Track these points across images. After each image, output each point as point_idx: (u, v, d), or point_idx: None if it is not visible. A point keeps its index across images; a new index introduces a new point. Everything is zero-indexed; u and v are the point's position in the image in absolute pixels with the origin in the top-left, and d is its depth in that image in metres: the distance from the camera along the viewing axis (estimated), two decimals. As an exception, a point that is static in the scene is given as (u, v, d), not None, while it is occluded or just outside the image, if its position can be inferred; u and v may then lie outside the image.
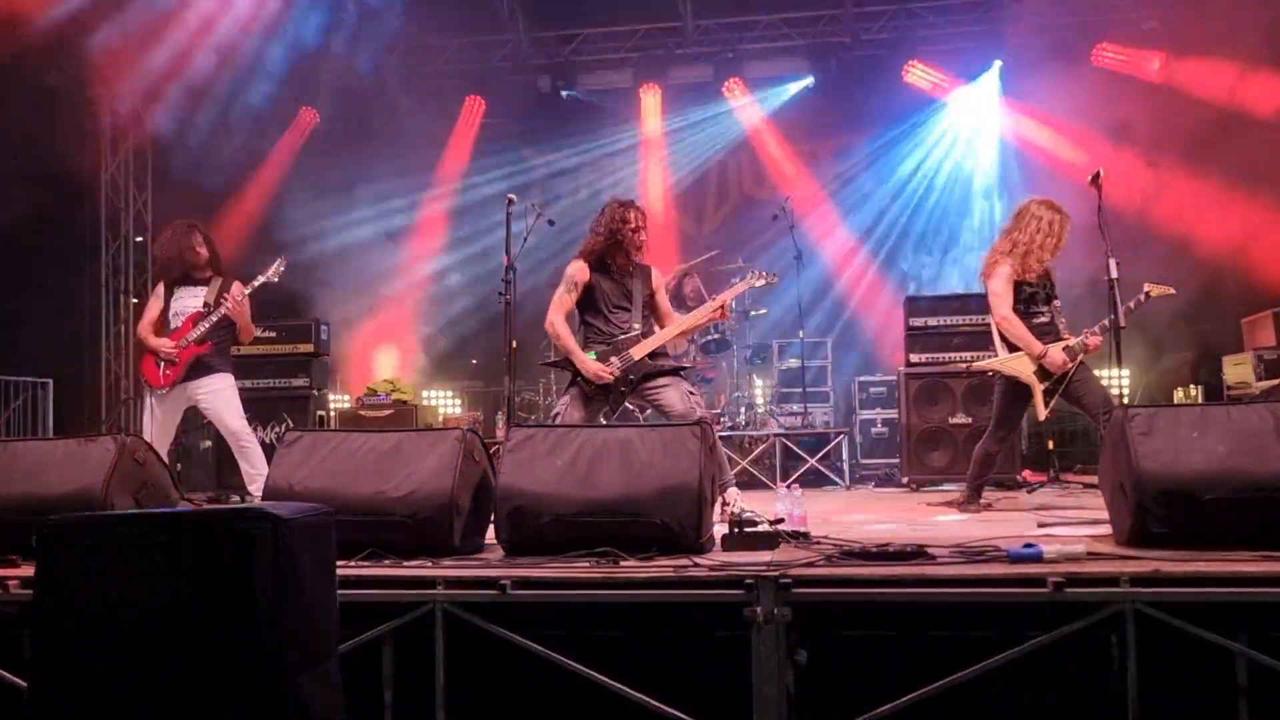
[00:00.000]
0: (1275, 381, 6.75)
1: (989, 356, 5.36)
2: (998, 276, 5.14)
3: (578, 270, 5.15)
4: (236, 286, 5.57)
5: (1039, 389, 5.08)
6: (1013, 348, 5.14)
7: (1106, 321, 5.00)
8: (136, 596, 1.85)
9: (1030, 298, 5.16)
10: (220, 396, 5.49)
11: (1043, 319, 5.16)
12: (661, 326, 5.22)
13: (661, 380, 5.02)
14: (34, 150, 8.17)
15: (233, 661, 1.79)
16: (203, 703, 1.80)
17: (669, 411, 4.93)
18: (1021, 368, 5.13)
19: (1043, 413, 5.10)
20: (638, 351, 5.02)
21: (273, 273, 5.69)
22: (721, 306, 5.20)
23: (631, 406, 5.59)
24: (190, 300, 5.63)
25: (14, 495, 3.85)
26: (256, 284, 5.62)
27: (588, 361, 5.01)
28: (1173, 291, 5.15)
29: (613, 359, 4.99)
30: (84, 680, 1.87)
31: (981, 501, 5.32)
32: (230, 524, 1.85)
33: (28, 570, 3.41)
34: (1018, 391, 5.16)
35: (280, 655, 1.78)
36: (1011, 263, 5.10)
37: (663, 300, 5.33)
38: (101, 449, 3.93)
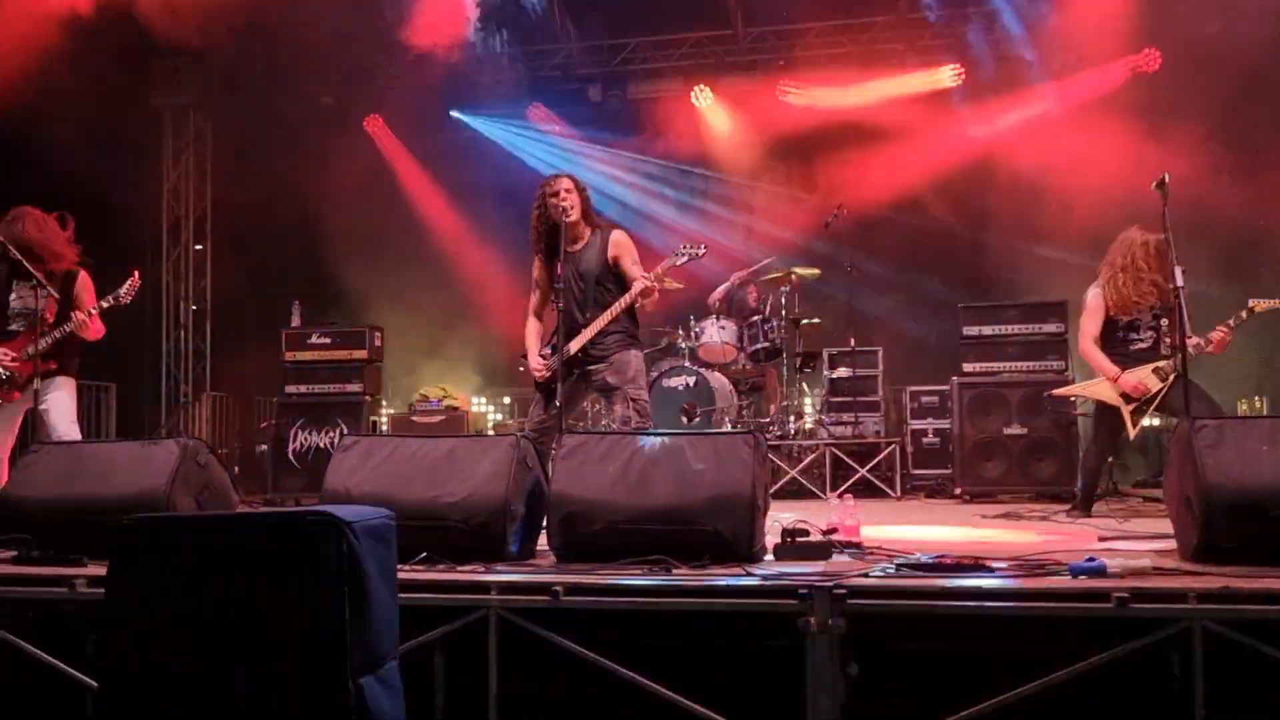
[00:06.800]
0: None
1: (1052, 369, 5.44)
2: (1084, 308, 5.36)
3: (534, 267, 5.02)
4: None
5: (1126, 410, 5.17)
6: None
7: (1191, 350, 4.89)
8: (205, 597, 1.89)
9: (1130, 325, 5.27)
10: None
11: (1141, 345, 5.26)
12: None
13: (598, 379, 4.83)
14: (97, 157, 8.40)
15: (298, 663, 1.82)
16: (269, 703, 1.82)
17: (612, 417, 4.83)
18: (1102, 392, 5.27)
19: (1131, 432, 5.19)
20: (574, 344, 4.79)
21: (125, 292, 5.29)
22: (647, 286, 4.73)
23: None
24: None
25: (80, 496, 3.92)
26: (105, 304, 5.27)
27: (530, 357, 4.93)
28: None
29: (555, 356, 4.75)
30: (152, 679, 1.91)
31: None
32: (297, 527, 1.88)
33: (94, 570, 3.48)
34: (1105, 411, 5.29)
35: (345, 657, 1.81)
36: (1102, 295, 5.27)
37: (629, 268, 4.85)
38: (165, 451, 4.00)
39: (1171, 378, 5.05)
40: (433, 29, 9.61)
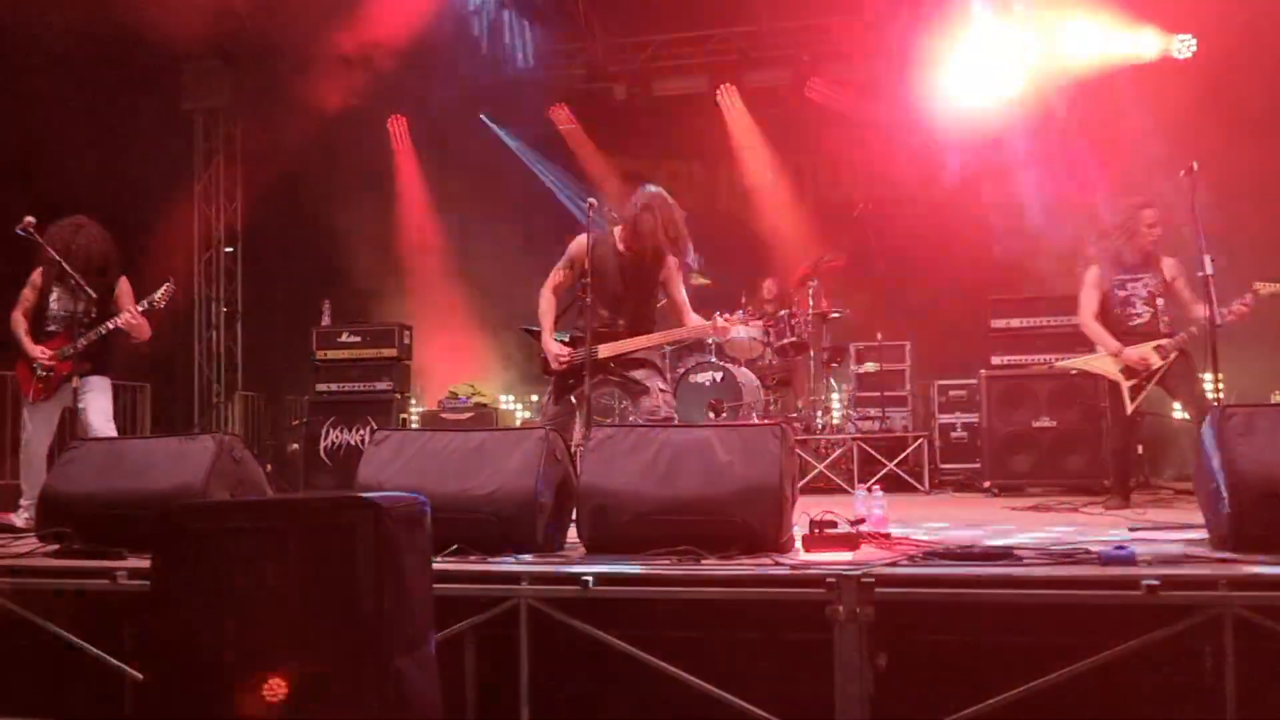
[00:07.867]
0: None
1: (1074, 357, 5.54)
2: (1082, 285, 5.50)
3: (574, 246, 4.95)
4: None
5: (1125, 385, 5.26)
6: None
7: (1194, 328, 5.07)
8: (247, 581, 1.95)
9: (1125, 300, 5.34)
10: None
11: (1139, 320, 5.31)
12: (677, 318, 4.96)
13: (623, 381, 4.81)
14: (130, 160, 8.54)
15: (336, 644, 1.87)
16: (307, 683, 1.87)
17: (638, 411, 4.83)
18: (1104, 366, 5.36)
19: (1129, 408, 5.25)
20: (605, 350, 4.75)
21: (160, 296, 5.44)
22: (721, 329, 4.79)
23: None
24: None
25: (119, 491, 4.00)
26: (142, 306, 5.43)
27: (548, 340, 4.86)
28: None
29: (579, 349, 4.73)
30: (197, 660, 1.97)
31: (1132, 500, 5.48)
32: (334, 512, 1.93)
33: (134, 563, 3.56)
34: (1115, 389, 5.33)
35: (381, 638, 1.85)
36: (1098, 267, 5.41)
37: (674, 291, 4.94)
38: (201, 447, 4.07)
39: (1172, 356, 5.16)
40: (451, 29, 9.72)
